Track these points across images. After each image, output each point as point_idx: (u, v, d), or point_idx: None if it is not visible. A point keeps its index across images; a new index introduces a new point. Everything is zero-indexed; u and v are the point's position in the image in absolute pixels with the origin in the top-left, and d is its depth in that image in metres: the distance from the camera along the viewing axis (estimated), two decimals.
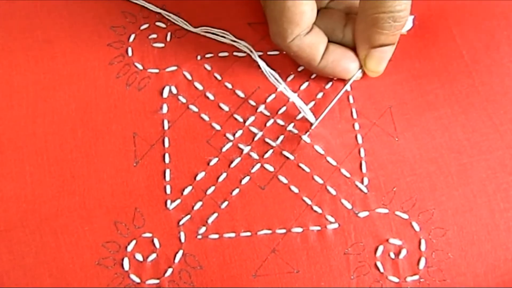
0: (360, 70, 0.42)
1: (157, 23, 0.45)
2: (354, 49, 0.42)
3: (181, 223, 0.39)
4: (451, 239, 0.39)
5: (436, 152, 0.41)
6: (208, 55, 0.44)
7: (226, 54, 0.44)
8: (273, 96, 0.42)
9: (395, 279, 0.38)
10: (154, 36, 0.44)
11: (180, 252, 0.39)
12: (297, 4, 0.38)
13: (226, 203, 0.40)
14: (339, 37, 0.42)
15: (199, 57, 0.44)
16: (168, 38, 0.44)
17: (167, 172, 0.40)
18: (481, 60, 0.44)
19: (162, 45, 0.44)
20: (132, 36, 0.44)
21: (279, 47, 0.42)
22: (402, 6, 0.38)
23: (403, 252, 0.39)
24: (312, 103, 0.42)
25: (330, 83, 0.43)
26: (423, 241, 0.39)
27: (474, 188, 0.40)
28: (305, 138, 0.41)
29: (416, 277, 0.38)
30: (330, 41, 0.42)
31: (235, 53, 0.44)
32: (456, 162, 0.41)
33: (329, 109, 0.41)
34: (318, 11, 0.41)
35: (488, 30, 0.44)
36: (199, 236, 0.39)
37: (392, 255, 0.39)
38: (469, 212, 0.39)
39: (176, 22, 0.44)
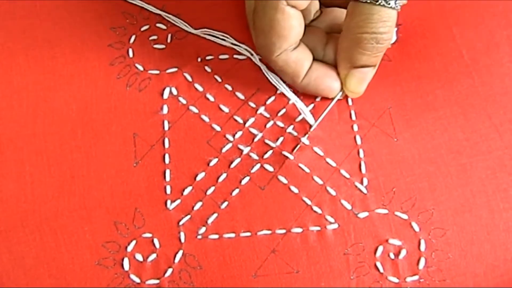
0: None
1: (158, 25, 0.45)
2: (336, 68, 0.43)
3: (181, 223, 0.40)
4: (451, 239, 0.40)
5: (436, 153, 0.41)
6: (208, 57, 0.44)
7: (226, 56, 0.44)
8: (273, 98, 0.43)
9: (395, 280, 0.39)
10: (155, 37, 0.45)
11: (180, 252, 0.39)
12: (287, 18, 0.39)
13: (226, 203, 0.40)
14: (319, 55, 0.43)
15: (199, 59, 0.44)
16: (169, 40, 0.45)
17: (167, 172, 0.41)
18: (481, 60, 0.44)
19: (162, 46, 0.45)
20: (133, 37, 0.45)
21: (265, 60, 0.42)
22: (386, 28, 0.39)
23: (403, 253, 0.39)
24: (312, 105, 0.43)
25: None
26: (422, 241, 0.39)
27: (474, 188, 0.41)
28: (305, 140, 0.42)
29: (415, 277, 0.39)
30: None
31: (235, 56, 0.44)
32: (456, 162, 0.41)
33: (328, 111, 0.42)
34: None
35: (488, 30, 0.45)
36: (199, 236, 0.40)
37: (392, 256, 0.39)
38: (468, 212, 0.40)
39: (176, 24, 0.45)
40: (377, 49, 0.40)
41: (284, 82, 0.43)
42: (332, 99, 0.42)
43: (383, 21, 0.38)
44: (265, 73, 0.43)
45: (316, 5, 0.44)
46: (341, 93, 0.42)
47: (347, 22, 0.40)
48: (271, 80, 0.42)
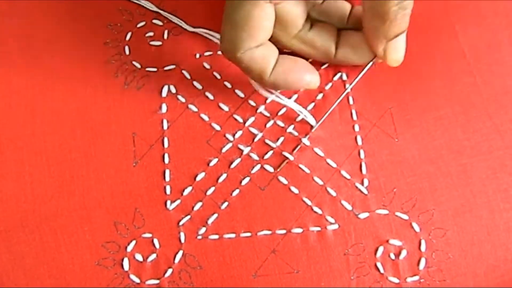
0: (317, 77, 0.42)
1: (154, 21, 0.45)
2: (305, 58, 0.42)
3: (181, 223, 0.40)
4: (451, 240, 0.40)
5: (436, 153, 0.42)
6: (206, 53, 0.45)
7: None
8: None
9: (395, 280, 0.40)
10: (151, 34, 0.45)
11: (180, 252, 0.40)
12: (263, 16, 0.38)
13: (226, 203, 0.41)
14: (331, 53, 0.42)
15: (197, 55, 0.45)
16: (165, 36, 0.45)
17: (167, 172, 0.41)
18: (482, 59, 0.44)
19: (159, 43, 0.45)
20: (129, 34, 0.45)
21: (228, 59, 0.40)
22: None
23: (403, 253, 0.40)
24: (312, 104, 0.43)
25: (330, 84, 0.44)
26: (423, 242, 0.40)
27: (474, 189, 0.41)
28: (305, 141, 0.42)
29: (416, 278, 0.39)
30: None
31: None
32: (456, 162, 0.42)
33: (328, 109, 0.42)
34: (311, 25, 0.42)
35: (490, 28, 0.45)
36: (199, 237, 0.40)
37: (392, 256, 0.40)
38: (469, 212, 0.40)
39: (172, 20, 0.45)
40: (404, 15, 0.39)
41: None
42: (333, 102, 0.42)
43: None
44: (254, 86, 0.43)
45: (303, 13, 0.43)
46: (371, 63, 0.42)
47: (367, 3, 0.39)
48: (260, 92, 0.42)
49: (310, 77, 0.41)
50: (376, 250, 0.40)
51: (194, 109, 0.43)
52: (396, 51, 0.41)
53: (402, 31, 0.40)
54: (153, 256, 0.40)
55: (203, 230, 0.40)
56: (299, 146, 0.42)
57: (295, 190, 0.41)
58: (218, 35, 0.44)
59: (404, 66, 0.43)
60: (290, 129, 0.43)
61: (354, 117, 0.43)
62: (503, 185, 0.41)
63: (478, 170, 0.41)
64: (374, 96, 0.43)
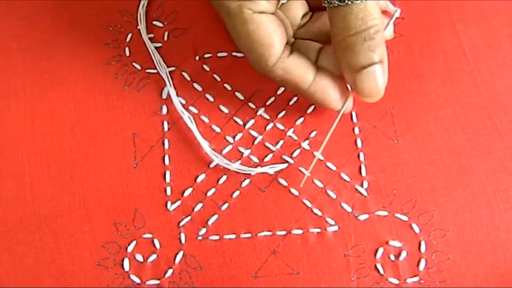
0: (351, 101, 0.43)
1: (154, 22, 0.47)
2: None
3: (181, 224, 0.42)
4: (451, 240, 0.42)
5: (436, 154, 0.43)
6: (206, 55, 0.46)
7: (225, 54, 0.46)
8: (272, 99, 0.45)
9: (395, 281, 0.41)
10: (151, 35, 0.47)
11: (181, 253, 0.42)
12: (261, 25, 0.39)
13: (226, 204, 0.43)
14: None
15: (197, 57, 0.46)
16: (166, 38, 0.47)
17: (167, 174, 0.43)
18: (483, 59, 0.46)
19: (159, 44, 0.47)
20: (129, 36, 0.47)
21: (263, 74, 0.42)
22: (368, 23, 0.38)
23: (403, 254, 0.42)
24: (312, 107, 0.45)
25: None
26: (423, 243, 0.42)
27: (474, 189, 0.43)
28: (305, 145, 0.44)
29: (416, 279, 0.41)
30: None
31: (234, 53, 0.46)
32: (456, 163, 0.43)
33: (329, 113, 0.44)
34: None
35: (491, 28, 0.47)
36: (200, 237, 0.42)
37: (392, 257, 0.42)
38: (469, 213, 0.42)
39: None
40: (369, 46, 0.38)
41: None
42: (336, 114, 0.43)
43: (361, 18, 0.38)
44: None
45: (302, 8, 0.45)
46: (345, 107, 0.42)
47: (331, 30, 0.40)
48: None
49: (350, 102, 0.42)
50: (376, 251, 0.42)
51: (195, 110, 0.45)
52: (367, 84, 0.39)
53: (374, 62, 0.39)
54: (154, 256, 0.42)
55: (203, 231, 0.42)
56: (299, 151, 0.44)
57: (295, 192, 0.43)
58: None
59: (405, 63, 0.45)
60: (290, 132, 0.45)
61: (354, 119, 0.45)
62: (503, 185, 0.43)
63: (478, 171, 0.43)
64: None
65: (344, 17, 0.38)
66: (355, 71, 0.39)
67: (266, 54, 0.40)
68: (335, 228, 0.43)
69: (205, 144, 0.44)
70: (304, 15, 0.45)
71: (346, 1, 0.38)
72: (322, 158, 0.44)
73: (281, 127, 0.45)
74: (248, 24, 0.39)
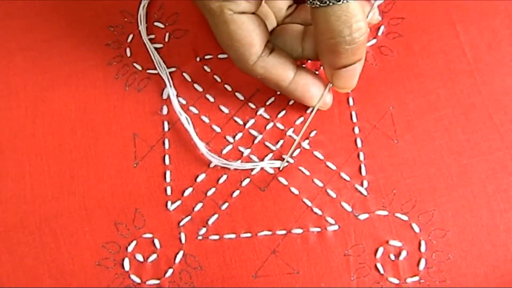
0: (330, 97, 0.44)
1: (155, 23, 0.48)
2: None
3: (181, 224, 0.43)
4: (451, 240, 0.42)
5: (436, 154, 0.44)
6: (207, 57, 0.47)
7: (225, 55, 0.47)
8: (272, 99, 0.46)
9: (395, 281, 0.42)
10: (152, 36, 0.47)
11: (181, 252, 0.42)
12: (241, 25, 0.40)
13: (226, 204, 0.43)
14: (298, 52, 0.43)
15: (198, 58, 0.47)
16: (167, 39, 0.47)
17: (168, 173, 0.44)
18: (483, 59, 0.46)
19: (160, 45, 0.47)
20: (130, 36, 0.47)
21: (244, 72, 0.43)
22: (351, 28, 0.38)
23: (403, 254, 0.42)
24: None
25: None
26: (423, 242, 0.42)
27: (474, 189, 0.43)
28: (305, 145, 0.45)
29: (416, 278, 0.42)
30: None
31: None
32: (456, 163, 0.44)
33: (328, 113, 0.45)
34: (274, 28, 0.44)
35: (491, 28, 0.47)
36: (200, 237, 0.42)
37: (392, 257, 0.42)
38: (469, 213, 0.42)
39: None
40: (352, 50, 0.39)
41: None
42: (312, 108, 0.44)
43: (343, 21, 0.37)
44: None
45: (287, 1, 0.46)
46: (322, 102, 0.44)
47: (314, 29, 0.40)
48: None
49: (329, 98, 0.44)
50: (376, 251, 0.42)
51: (195, 111, 0.45)
52: (344, 80, 0.42)
53: (354, 62, 0.40)
54: (154, 256, 0.42)
55: (203, 230, 0.43)
56: (299, 150, 0.45)
57: (295, 191, 0.43)
58: None
59: (405, 63, 0.46)
60: (290, 132, 0.45)
61: (354, 119, 0.45)
62: (503, 185, 0.43)
63: (478, 171, 0.43)
64: (375, 96, 0.45)
65: (327, 19, 0.38)
66: (335, 69, 0.41)
67: (247, 53, 0.41)
68: (335, 227, 0.43)
69: (201, 145, 0.44)
70: (289, 7, 0.46)
71: (328, 2, 0.37)
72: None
73: (281, 126, 0.45)
74: (228, 24, 0.40)
